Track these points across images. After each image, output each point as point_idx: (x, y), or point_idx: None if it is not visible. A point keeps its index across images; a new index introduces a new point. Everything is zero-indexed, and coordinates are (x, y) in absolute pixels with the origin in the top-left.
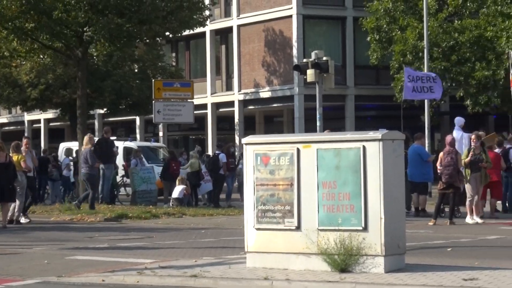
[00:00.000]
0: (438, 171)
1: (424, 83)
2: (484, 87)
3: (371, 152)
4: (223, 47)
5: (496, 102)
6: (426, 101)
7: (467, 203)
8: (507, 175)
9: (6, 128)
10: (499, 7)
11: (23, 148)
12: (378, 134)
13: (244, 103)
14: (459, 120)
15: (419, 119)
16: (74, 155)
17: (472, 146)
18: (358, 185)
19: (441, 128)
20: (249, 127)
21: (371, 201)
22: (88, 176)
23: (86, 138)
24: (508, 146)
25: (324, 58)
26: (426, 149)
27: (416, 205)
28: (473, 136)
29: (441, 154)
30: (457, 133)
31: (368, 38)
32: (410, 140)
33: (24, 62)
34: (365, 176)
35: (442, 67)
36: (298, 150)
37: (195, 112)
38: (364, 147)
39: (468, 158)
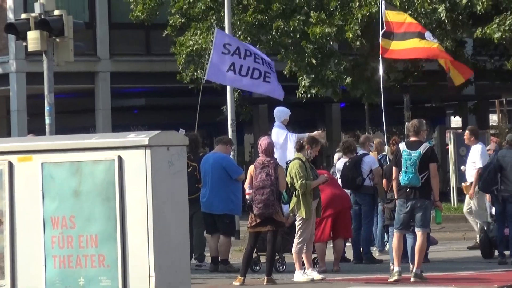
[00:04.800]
0: (247, 196)
1: (258, 64)
2: (327, 55)
3: (133, 166)
4: None
5: (347, 83)
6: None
7: (295, 249)
8: (356, 198)
9: None
10: None
11: None
12: (143, 137)
13: None
14: (281, 112)
15: (220, 111)
16: None
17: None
18: (111, 223)
19: (254, 125)
20: None
21: (133, 248)
22: None
23: None
24: (361, 151)
25: (57, 13)
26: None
27: (214, 254)
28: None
29: (251, 168)
30: (278, 134)
31: None
32: (203, 146)
33: None
34: (122, 207)
35: (256, 23)
36: (10, 164)
37: None
38: (120, 159)
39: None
